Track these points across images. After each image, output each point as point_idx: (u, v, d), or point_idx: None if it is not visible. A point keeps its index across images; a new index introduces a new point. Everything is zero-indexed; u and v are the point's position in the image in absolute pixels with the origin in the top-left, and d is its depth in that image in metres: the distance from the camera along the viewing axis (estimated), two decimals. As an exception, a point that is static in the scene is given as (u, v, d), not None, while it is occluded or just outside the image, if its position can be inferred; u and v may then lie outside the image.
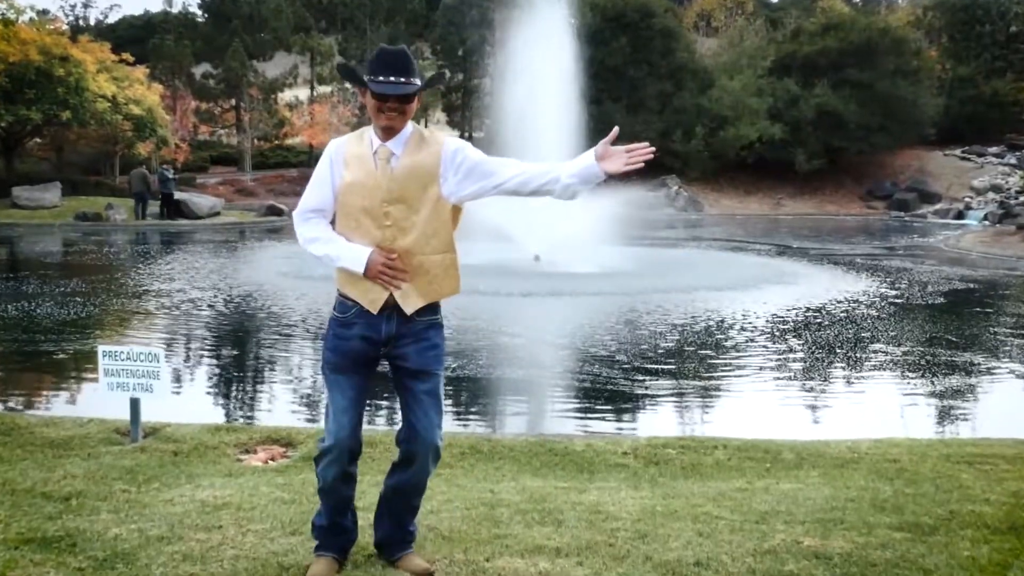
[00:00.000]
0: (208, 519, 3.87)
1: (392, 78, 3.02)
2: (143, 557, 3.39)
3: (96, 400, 6.69)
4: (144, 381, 5.49)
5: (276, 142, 51.98)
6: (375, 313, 3.14)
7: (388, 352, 3.21)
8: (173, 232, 27.05)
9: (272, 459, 5.30)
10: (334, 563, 3.27)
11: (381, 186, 3.12)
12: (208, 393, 8.16)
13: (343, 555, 3.34)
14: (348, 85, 51.25)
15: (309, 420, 7.05)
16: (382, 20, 51.56)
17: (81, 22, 59.79)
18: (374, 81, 3.03)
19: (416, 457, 3.22)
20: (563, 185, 3.10)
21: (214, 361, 9.48)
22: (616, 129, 3.13)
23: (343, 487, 3.27)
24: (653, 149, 3.03)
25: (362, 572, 3.31)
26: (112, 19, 71.38)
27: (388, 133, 3.13)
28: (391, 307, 3.15)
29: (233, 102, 50.54)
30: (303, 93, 53.10)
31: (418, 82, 3.08)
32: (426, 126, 3.21)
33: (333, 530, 3.32)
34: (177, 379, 8.38)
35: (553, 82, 20.39)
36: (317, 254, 3.21)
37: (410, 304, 3.15)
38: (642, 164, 3.00)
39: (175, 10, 57.22)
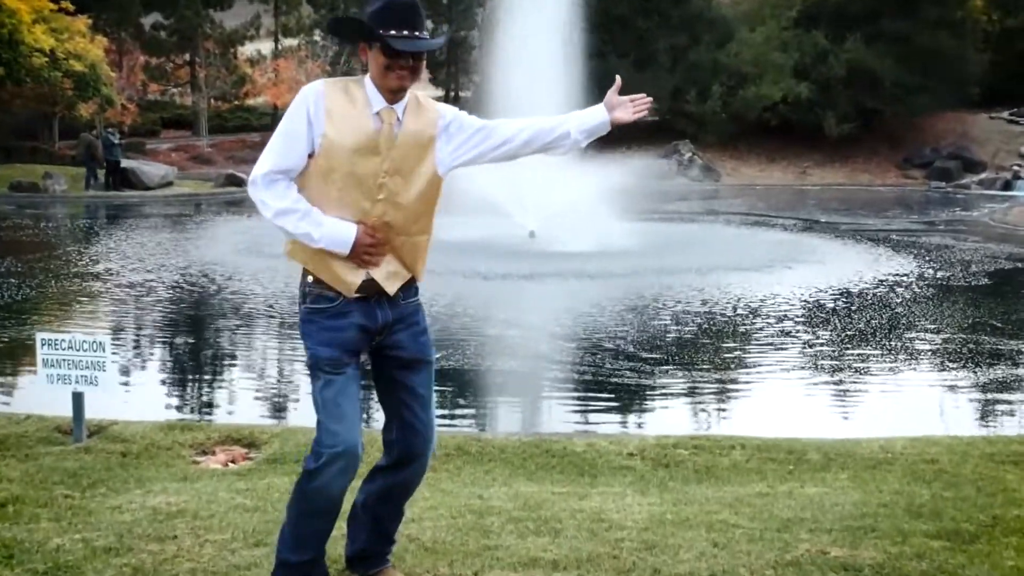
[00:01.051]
0: (161, 528, 3.88)
1: (406, 32, 2.95)
2: (88, 570, 3.40)
3: (34, 394, 6.68)
4: (88, 373, 5.48)
5: (236, 103, 51.73)
6: (350, 298, 3.06)
7: (380, 342, 3.16)
8: (119, 205, 26.98)
9: (232, 461, 5.31)
10: None
11: (381, 154, 3.04)
12: (160, 387, 8.15)
13: None
14: (318, 38, 51.02)
15: (273, 418, 7.06)
16: (356, -37, 51.20)
17: (13, -35, 59.20)
18: (391, 37, 2.93)
19: (416, 458, 3.25)
20: (572, 141, 3.27)
21: (167, 351, 9.47)
22: (619, 79, 3.31)
23: (340, 502, 3.16)
24: (651, 100, 3.32)
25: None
26: (49, -38, 70.60)
27: (396, 95, 3.05)
28: (376, 291, 3.10)
29: (187, 57, 50.25)
30: (266, 47, 52.78)
31: (436, 37, 3.08)
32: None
33: (316, 563, 3.19)
34: (125, 371, 8.35)
35: (550, 34, 20.34)
36: (291, 231, 3.03)
37: (392, 284, 3.12)
38: (646, 113, 3.28)
39: (121, -48, 56.75)
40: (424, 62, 3.09)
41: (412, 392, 3.21)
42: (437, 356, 3.37)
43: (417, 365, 3.22)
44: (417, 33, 2.98)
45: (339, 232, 3.01)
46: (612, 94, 3.26)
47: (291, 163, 3.04)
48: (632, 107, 3.25)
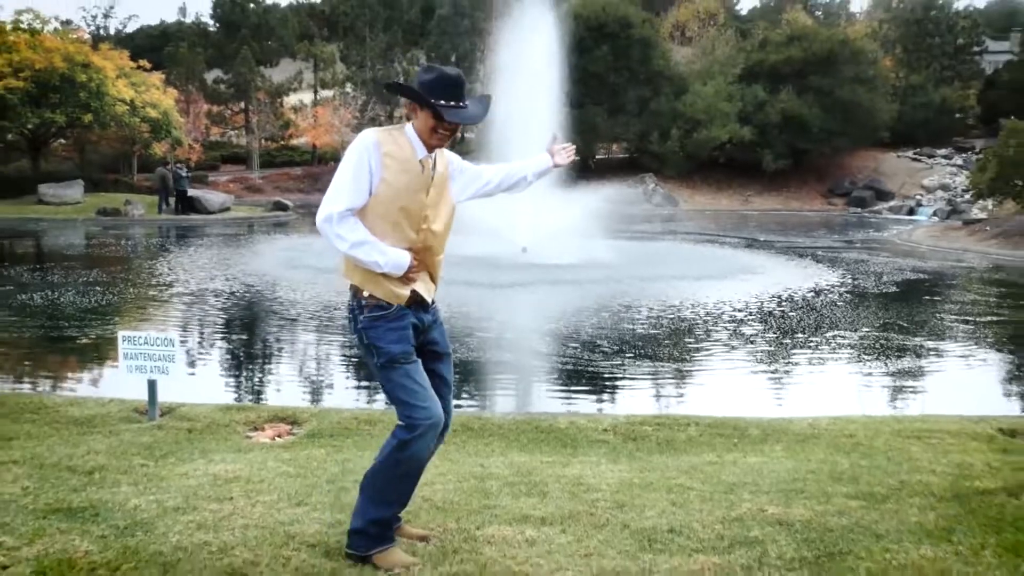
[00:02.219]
0: (220, 491, 3.87)
1: (452, 103, 3.01)
2: (160, 526, 3.39)
3: (116, 381, 6.68)
4: (160, 364, 5.48)
5: (282, 142, 51.80)
6: (405, 306, 3.09)
7: (422, 339, 3.19)
8: (186, 226, 26.92)
9: (279, 436, 5.30)
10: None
11: (424, 191, 3.09)
12: (219, 375, 8.14)
13: None
14: (349, 90, 51.05)
15: (312, 401, 7.05)
16: (381, 29, 51.28)
17: (102, 31, 59.15)
18: (442, 107, 2.99)
19: (445, 431, 3.28)
20: (528, 182, 3.54)
21: (225, 345, 9.46)
22: (554, 135, 3.64)
23: (427, 463, 3.17)
24: (574, 147, 3.65)
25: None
26: (130, 28, 70.51)
27: (434, 148, 3.12)
28: (419, 301, 3.14)
29: (242, 105, 50.28)
30: (307, 97, 52.87)
31: (481, 109, 3.14)
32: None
33: (395, 517, 3.18)
34: (191, 363, 8.35)
35: (539, 87, 20.32)
36: (363, 259, 3.01)
37: (429, 295, 3.20)
38: (573, 157, 3.60)
39: (189, 20, 57.12)
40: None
41: (443, 379, 3.26)
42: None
43: (446, 357, 3.30)
44: (464, 104, 3.05)
45: (398, 258, 3.05)
46: (550, 145, 3.56)
47: (359, 202, 3.02)
48: (564, 154, 3.55)
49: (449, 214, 3.22)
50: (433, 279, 3.23)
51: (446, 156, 3.25)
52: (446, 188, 3.21)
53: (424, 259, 3.14)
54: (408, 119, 3.15)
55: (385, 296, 3.07)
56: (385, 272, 3.04)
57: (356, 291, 3.10)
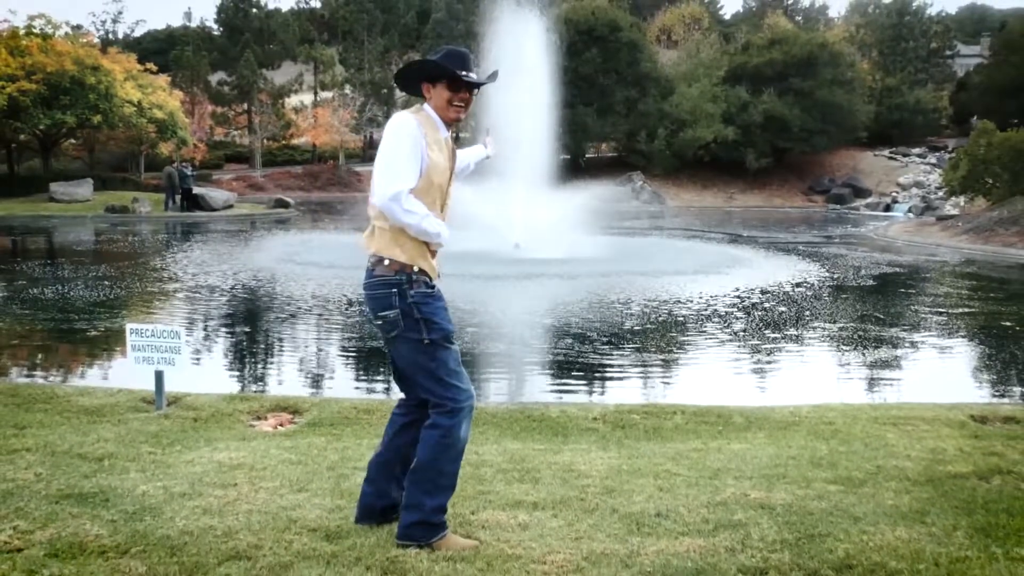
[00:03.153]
0: (224, 478, 3.86)
1: (464, 72, 3.03)
2: (168, 511, 3.38)
3: (125, 372, 6.65)
4: (167, 356, 5.46)
5: (283, 142, 51.71)
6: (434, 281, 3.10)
7: None
8: (191, 223, 26.83)
9: (281, 425, 5.29)
10: None
11: (449, 168, 3.13)
12: (224, 366, 8.12)
13: None
14: (348, 91, 50.88)
15: (313, 391, 7.03)
16: (378, 32, 51.15)
17: (110, 36, 59.02)
18: (456, 74, 3.01)
19: None
20: (470, 169, 3.65)
21: (229, 337, 9.43)
22: (486, 128, 3.82)
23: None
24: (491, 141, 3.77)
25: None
26: (138, 33, 70.55)
27: (451, 125, 3.12)
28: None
29: (245, 106, 50.13)
30: (307, 98, 52.73)
31: (490, 78, 3.21)
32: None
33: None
34: (196, 354, 8.32)
35: (531, 88, 20.29)
36: (429, 229, 2.98)
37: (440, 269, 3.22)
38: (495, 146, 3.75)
39: (194, 24, 56.86)
40: (474, 98, 3.13)
41: None
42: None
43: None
44: (473, 74, 3.07)
45: (447, 229, 3.08)
46: (483, 138, 3.73)
47: (415, 180, 2.99)
48: (492, 147, 3.72)
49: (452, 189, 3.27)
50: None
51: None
52: (455, 166, 3.26)
53: None
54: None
55: (429, 271, 3.05)
56: (439, 242, 3.05)
57: (403, 266, 3.01)
